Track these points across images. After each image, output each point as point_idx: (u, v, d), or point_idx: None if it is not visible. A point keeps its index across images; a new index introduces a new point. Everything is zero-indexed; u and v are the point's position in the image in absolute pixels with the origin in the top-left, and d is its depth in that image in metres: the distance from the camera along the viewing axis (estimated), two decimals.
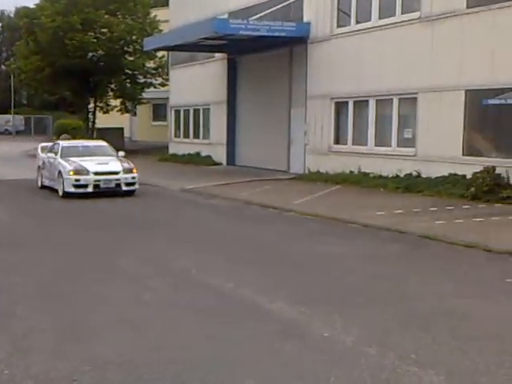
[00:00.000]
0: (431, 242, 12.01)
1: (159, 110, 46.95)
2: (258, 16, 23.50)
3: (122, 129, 40.46)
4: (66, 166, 19.16)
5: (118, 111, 41.65)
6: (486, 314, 7.67)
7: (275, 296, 8.34)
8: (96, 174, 18.91)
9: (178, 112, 35.15)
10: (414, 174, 18.94)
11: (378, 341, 6.63)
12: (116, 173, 19.11)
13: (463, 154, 17.67)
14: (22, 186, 22.51)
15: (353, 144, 22.03)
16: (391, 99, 20.32)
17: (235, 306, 8.01)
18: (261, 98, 27.40)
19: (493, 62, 16.69)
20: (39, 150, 22.52)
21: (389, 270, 10.04)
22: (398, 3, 19.98)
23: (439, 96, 18.36)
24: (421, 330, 7.02)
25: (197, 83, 32.20)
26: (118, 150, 21.06)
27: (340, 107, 22.73)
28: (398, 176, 19.39)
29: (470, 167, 16.95)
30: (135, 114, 48.29)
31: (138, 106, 45.00)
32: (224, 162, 29.69)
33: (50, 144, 22.76)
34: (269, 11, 23.76)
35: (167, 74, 37.94)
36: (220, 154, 30.00)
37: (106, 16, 37.94)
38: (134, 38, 38.59)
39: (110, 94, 41.57)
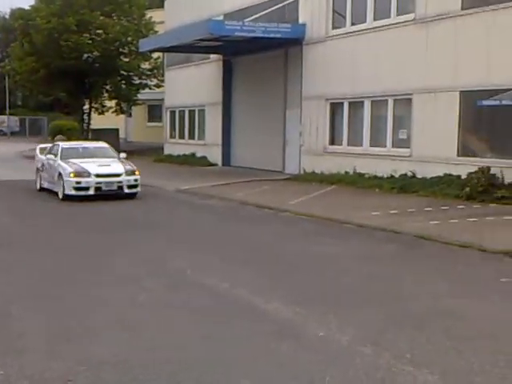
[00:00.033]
0: (426, 242, 12.04)
1: (154, 111, 46.93)
2: (253, 17, 23.52)
3: (117, 130, 40.43)
4: (67, 167, 18.71)
5: (113, 112, 41.63)
6: (481, 314, 7.69)
7: (271, 296, 8.35)
8: (98, 176, 18.45)
9: (173, 113, 35.16)
10: (409, 174, 18.98)
11: (373, 340, 6.65)
12: (118, 175, 18.66)
13: (458, 155, 17.72)
14: (19, 187, 22.30)
15: (348, 145, 22.06)
16: (386, 100, 20.36)
17: (230, 306, 8.02)
18: (256, 98, 27.42)
19: (487, 64, 16.73)
20: (38, 152, 22.08)
21: (384, 270, 10.06)
22: (393, 5, 20.03)
23: (434, 97, 18.41)
24: (416, 329, 7.04)
25: (192, 84, 32.21)
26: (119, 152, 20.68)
27: (335, 108, 22.76)
28: (393, 176, 19.43)
29: (464, 168, 17.00)
30: (130, 115, 48.25)
31: (133, 107, 44.98)
32: (219, 162, 29.70)
33: (48, 145, 22.28)
34: (264, 13, 23.78)
35: (162, 75, 37.93)
36: (215, 155, 30.01)
37: (102, 17, 37.90)
38: (129, 39, 38.56)
39: (105, 95, 41.54)
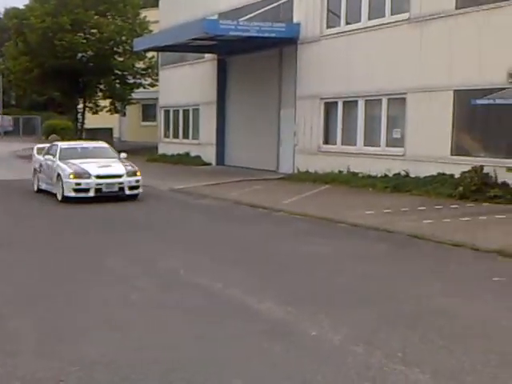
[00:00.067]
0: (419, 241, 12.06)
1: (149, 111, 46.89)
2: (247, 17, 23.51)
3: (110, 129, 40.44)
4: (66, 168, 18.17)
5: (107, 111, 41.58)
6: (473, 313, 7.70)
7: (263, 296, 8.35)
8: (98, 177, 17.91)
9: (167, 112, 35.13)
10: (403, 173, 19.01)
11: (365, 340, 6.65)
12: (119, 176, 18.16)
13: (451, 154, 17.75)
14: (14, 188, 21.91)
15: (342, 144, 22.08)
16: (380, 99, 20.38)
17: (223, 306, 8.01)
18: (250, 98, 27.42)
19: (481, 63, 16.76)
20: (35, 152, 21.53)
21: (377, 269, 10.07)
22: (388, 4, 20.05)
23: (428, 96, 18.44)
24: (408, 328, 7.05)
25: (186, 84, 32.19)
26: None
27: (329, 107, 22.78)
28: (386, 176, 19.45)
29: (458, 167, 17.03)
30: (124, 115, 48.21)
31: (127, 107, 44.95)
32: (213, 162, 29.70)
33: (46, 145, 21.68)
34: (259, 12, 23.77)
35: (157, 75, 37.91)
36: (209, 154, 30.00)
37: (96, 17, 37.88)
38: (123, 38, 38.53)
39: (100, 94, 41.50)
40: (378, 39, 20.24)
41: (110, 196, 17.98)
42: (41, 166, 20.28)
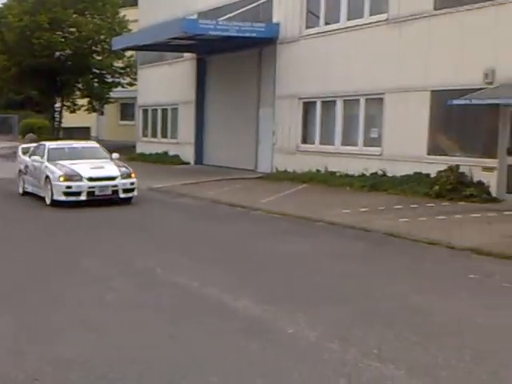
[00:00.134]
0: (395, 239, 12.16)
1: (127, 110, 46.65)
2: (227, 16, 23.51)
3: (88, 128, 40.20)
4: (55, 170, 17.08)
5: (85, 110, 41.36)
6: (449, 310, 7.77)
7: (241, 294, 8.36)
8: (90, 179, 16.83)
9: (146, 111, 35.00)
10: (380, 172, 19.13)
11: (341, 337, 6.69)
12: (113, 178, 17.11)
13: (428, 154, 17.89)
14: None
15: (320, 143, 22.16)
16: (358, 99, 20.47)
17: (201, 305, 8.01)
18: (229, 97, 27.41)
19: (458, 63, 16.90)
20: (20, 152, 20.30)
21: (354, 267, 10.13)
22: (367, 5, 20.14)
23: (405, 96, 18.56)
24: (384, 326, 7.10)
25: (165, 83, 32.10)
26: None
27: (308, 107, 22.84)
28: (364, 175, 19.56)
29: (434, 166, 17.18)
30: (102, 114, 47.99)
31: (105, 106, 44.75)
32: (192, 161, 29.66)
33: (32, 145, 20.59)
34: (238, 12, 23.78)
35: (135, 74, 37.77)
36: (188, 154, 29.95)
37: (74, 15, 37.72)
38: (102, 37, 38.41)
39: (78, 93, 41.27)
40: (356, 40, 20.34)
41: (102, 200, 16.98)
42: (27, 167, 19.17)
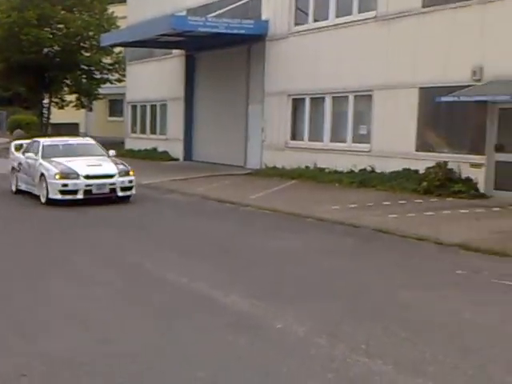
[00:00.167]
0: (384, 235, 12.21)
1: (116, 106, 46.50)
2: (216, 13, 23.48)
3: (77, 124, 40.05)
4: (51, 168, 16.62)
5: (73, 107, 41.22)
6: (436, 306, 7.81)
7: (230, 290, 8.37)
8: (87, 177, 16.37)
9: (134, 108, 34.94)
10: (369, 169, 19.19)
11: (329, 332, 6.72)
12: (111, 176, 16.67)
13: (416, 150, 17.95)
14: None
15: (309, 140, 22.20)
16: (347, 96, 20.52)
17: (190, 300, 8.02)
18: (218, 94, 27.40)
19: (447, 61, 16.97)
20: (13, 149, 19.88)
21: (343, 263, 10.17)
22: (355, 2, 20.17)
23: (394, 93, 18.62)
24: (372, 321, 7.13)
25: (154, 79, 32.04)
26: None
27: (297, 104, 22.87)
28: (352, 171, 19.62)
29: (422, 162, 17.25)
30: (91, 110, 47.80)
31: (94, 102, 44.58)
32: (181, 157, 29.64)
33: (25, 141, 20.19)
34: (227, 9, 23.77)
35: (124, 70, 37.67)
36: (177, 150, 29.93)
37: (63, 12, 37.54)
38: (90, 33, 38.24)
39: (66, 89, 41.12)
40: (345, 37, 20.37)
41: (100, 198, 16.56)
42: (20, 164, 18.78)
